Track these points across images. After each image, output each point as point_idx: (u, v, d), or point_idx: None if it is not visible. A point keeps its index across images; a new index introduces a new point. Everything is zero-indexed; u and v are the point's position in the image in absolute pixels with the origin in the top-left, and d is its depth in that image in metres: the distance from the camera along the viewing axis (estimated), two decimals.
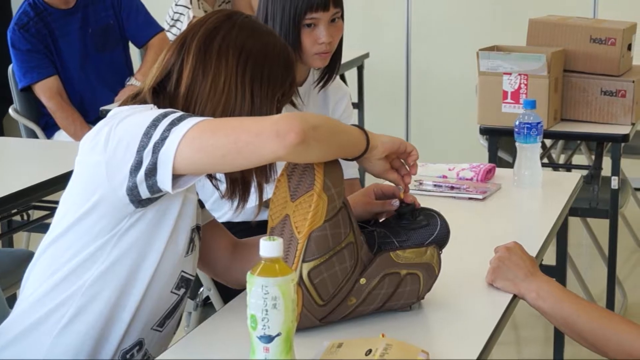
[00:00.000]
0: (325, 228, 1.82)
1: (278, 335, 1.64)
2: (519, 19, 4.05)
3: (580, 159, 4.98)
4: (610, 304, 3.86)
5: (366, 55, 5.57)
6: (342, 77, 5.56)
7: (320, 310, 1.86)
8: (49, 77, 4.43)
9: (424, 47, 6.40)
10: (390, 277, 1.90)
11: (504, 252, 2.02)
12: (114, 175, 1.82)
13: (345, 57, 5.28)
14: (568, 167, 4.51)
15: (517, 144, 2.90)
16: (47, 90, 4.42)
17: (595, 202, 3.74)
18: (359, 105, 5.63)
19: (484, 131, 3.77)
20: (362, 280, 1.88)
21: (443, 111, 6.32)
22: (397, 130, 6.57)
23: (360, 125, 2.00)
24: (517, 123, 2.89)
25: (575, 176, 3.04)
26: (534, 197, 2.88)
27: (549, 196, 2.88)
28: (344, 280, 1.85)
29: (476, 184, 2.90)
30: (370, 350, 1.71)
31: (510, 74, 3.65)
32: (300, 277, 1.82)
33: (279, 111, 2.01)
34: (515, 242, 2.05)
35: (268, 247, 1.63)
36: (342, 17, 2.79)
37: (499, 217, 2.71)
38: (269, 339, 1.64)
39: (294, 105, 2.82)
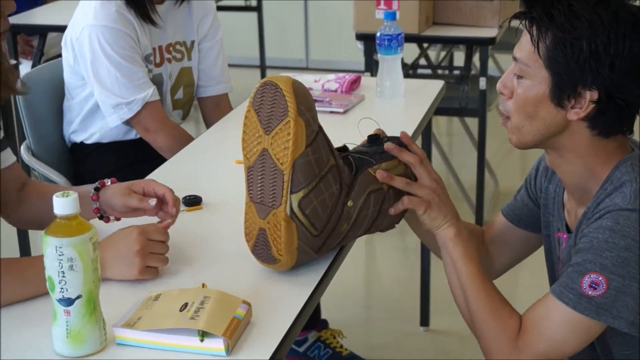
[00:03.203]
0: (308, 154, 1.50)
1: (78, 297, 1.31)
2: None
3: (460, 55, 4.66)
4: (480, 191, 3.58)
5: None
6: None
7: (315, 240, 1.53)
8: None
9: None
10: (375, 194, 1.57)
11: (437, 186, 1.59)
12: None
13: None
14: (443, 68, 4.18)
15: (378, 55, 2.56)
16: None
17: (465, 101, 3.43)
18: (258, 9, 5.22)
19: (359, 37, 3.41)
20: (350, 203, 1.55)
21: (339, 12, 5.90)
22: (296, 32, 6.17)
23: None
24: (378, 35, 2.53)
25: (438, 84, 2.70)
26: (395, 108, 2.55)
27: (410, 106, 2.55)
28: (333, 207, 1.52)
29: (340, 95, 2.55)
30: (186, 305, 1.38)
31: None
32: (292, 210, 1.50)
33: None
34: (438, 175, 1.63)
35: (61, 204, 1.28)
36: None
37: (360, 129, 2.36)
38: (68, 302, 1.31)
39: (154, 24, 2.42)
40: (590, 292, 1.41)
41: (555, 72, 1.44)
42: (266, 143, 1.52)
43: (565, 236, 1.60)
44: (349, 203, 1.55)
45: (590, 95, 1.43)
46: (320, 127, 1.55)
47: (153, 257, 1.53)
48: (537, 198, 1.72)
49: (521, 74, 1.48)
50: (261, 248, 1.55)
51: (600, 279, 1.40)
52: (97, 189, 1.71)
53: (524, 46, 1.47)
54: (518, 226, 1.77)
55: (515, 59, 1.49)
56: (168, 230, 1.60)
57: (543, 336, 1.46)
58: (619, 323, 1.41)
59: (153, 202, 1.64)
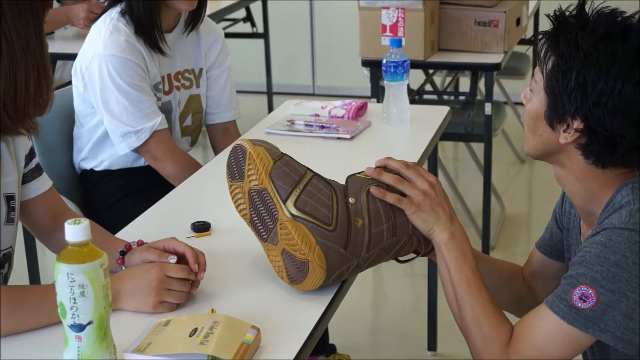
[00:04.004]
0: (279, 166, 1.60)
1: (89, 323, 1.32)
2: None
3: (465, 81, 4.69)
4: (486, 217, 3.60)
5: None
6: (248, 10, 5.17)
7: (334, 236, 1.55)
8: None
9: None
10: (374, 187, 1.60)
11: (429, 188, 1.62)
12: None
13: None
14: (448, 94, 4.21)
15: (384, 82, 2.58)
16: None
17: (470, 127, 3.45)
18: (264, 36, 5.26)
19: (365, 63, 3.44)
20: (351, 200, 1.59)
21: (345, 39, 5.94)
22: (302, 59, 6.21)
23: None
24: (384, 62, 2.56)
25: (444, 109, 2.72)
26: (402, 134, 2.57)
27: (416, 132, 2.56)
28: (332, 203, 1.57)
29: (346, 122, 2.58)
30: (195, 330, 1.40)
31: (388, 8, 3.31)
32: (292, 214, 1.56)
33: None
34: (437, 179, 1.66)
35: (72, 230, 1.30)
36: None
37: (367, 155, 2.36)
38: (80, 327, 1.32)
39: (163, 53, 2.45)
40: (580, 304, 1.43)
41: (550, 95, 1.51)
42: (246, 186, 1.62)
43: None
44: (350, 200, 1.59)
45: (576, 124, 1.47)
46: (286, 154, 1.65)
47: (169, 294, 1.54)
48: (562, 223, 1.74)
49: (532, 89, 1.56)
50: (292, 267, 1.57)
51: (590, 291, 1.42)
52: (122, 253, 1.69)
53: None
54: (551, 257, 1.79)
55: (533, 74, 1.58)
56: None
57: (533, 344, 1.47)
58: (605, 336, 1.43)
59: (173, 259, 1.61)
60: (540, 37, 1.54)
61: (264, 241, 1.62)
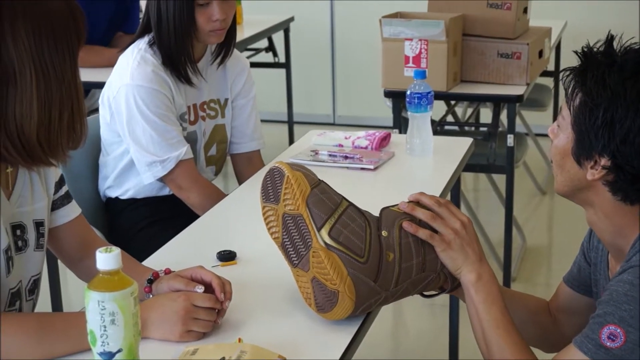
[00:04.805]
0: (316, 193, 1.61)
1: (119, 351, 1.33)
2: None
3: (486, 112, 4.70)
4: (508, 249, 3.59)
5: (291, 19, 5.20)
6: (270, 40, 5.21)
7: (365, 268, 1.56)
8: None
9: (346, 8, 6.05)
10: (407, 222, 1.62)
11: (460, 227, 1.63)
12: None
13: (272, 22, 5.00)
14: (470, 125, 4.22)
15: (408, 113, 2.59)
16: None
17: (492, 158, 3.45)
18: (286, 66, 5.29)
19: (388, 94, 3.45)
20: (384, 233, 1.60)
21: (367, 69, 5.98)
22: (323, 88, 6.25)
23: None
24: (408, 93, 2.57)
25: (467, 141, 2.73)
26: (425, 165, 2.58)
27: (439, 163, 2.57)
28: (365, 235, 1.58)
29: (370, 152, 2.59)
30: (223, 359, 1.41)
31: (411, 39, 3.33)
32: (325, 242, 1.57)
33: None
34: (469, 219, 1.67)
35: (104, 259, 1.32)
36: None
37: (390, 186, 2.40)
38: (109, 355, 1.33)
39: (190, 83, 2.48)
40: (608, 344, 1.42)
41: (577, 132, 1.51)
42: (280, 210, 1.62)
43: None
44: (384, 233, 1.60)
45: (603, 161, 1.48)
46: (323, 181, 1.65)
47: (196, 323, 1.55)
48: (590, 258, 1.74)
49: (559, 124, 1.57)
50: (321, 296, 1.57)
51: (618, 330, 1.42)
52: (150, 281, 1.71)
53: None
54: (579, 292, 1.79)
55: (560, 110, 1.58)
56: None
57: None
58: None
59: (200, 289, 1.62)
60: (567, 73, 1.54)
61: (294, 266, 1.62)
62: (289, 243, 1.62)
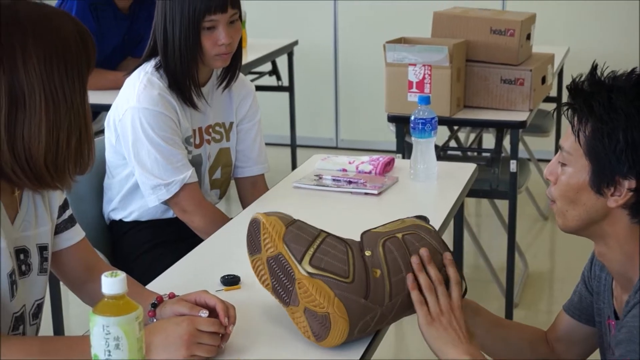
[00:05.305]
0: (292, 230, 1.65)
1: None
2: (441, 8, 3.74)
3: (488, 137, 4.71)
4: (510, 274, 3.58)
5: (295, 43, 5.22)
6: (274, 63, 5.23)
7: (353, 287, 1.57)
8: None
9: (350, 32, 6.07)
10: (391, 240, 1.64)
11: (448, 312, 1.60)
12: None
13: (276, 45, 5.02)
14: (473, 150, 4.22)
15: (412, 138, 2.60)
16: None
17: (495, 183, 3.45)
18: (289, 89, 5.30)
19: (392, 119, 3.46)
20: (367, 252, 1.62)
21: (370, 93, 6.00)
22: (326, 112, 6.26)
23: None
24: (412, 118, 2.58)
25: (471, 167, 2.73)
26: (429, 190, 2.58)
27: (443, 188, 2.57)
28: (348, 258, 1.60)
29: (373, 177, 2.59)
30: None
31: (415, 65, 3.34)
32: (308, 272, 1.59)
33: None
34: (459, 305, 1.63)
35: (109, 283, 1.32)
36: (240, 17, 2.46)
37: (394, 212, 2.38)
38: None
39: (195, 107, 2.48)
40: None
41: (594, 161, 1.49)
42: (264, 256, 1.66)
43: (614, 323, 1.61)
44: (367, 253, 1.62)
45: (628, 184, 1.46)
46: (299, 220, 1.69)
47: (200, 347, 1.55)
48: (592, 287, 1.73)
49: (564, 161, 1.55)
50: (315, 324, 1.58)
51: None
52: (154, 305, 1.71)
53: (568, 135, 1.54)
54: (580, 321, 1.78)
55: (560, 147, 1.56)
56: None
57: None
58: None
59: (205, 314, 1.62)
60: (565, 108, 1.54)
61: (286, 305, 1.64)
62: (277, 284, 1.64)
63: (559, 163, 1.56)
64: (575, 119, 1.52)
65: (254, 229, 1.70)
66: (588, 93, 1.50)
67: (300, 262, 1.60)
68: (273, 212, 1.71)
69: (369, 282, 1.58)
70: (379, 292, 1.59)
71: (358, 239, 1.67)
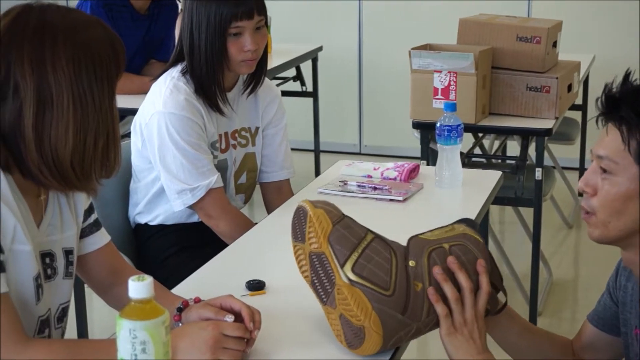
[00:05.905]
0: (338, 229, 1.60)
1: None
2: (466, 14, 3.73)
3: (513, 144, 4.68)
4: (534, 282, 3.56)
5: (320, 49, 5.22)
6: (298, 69, 5.23)
7: (393, 301, 1.54)
8: None
9: (374, 38, 6.07)
10: (436, 251, 1.59)
11: (472, 321, 1.58)
12: None
13: (301, 51, 5.02)
14: (497, 157, 4.20)
15: (438, 145, 2.59)
16: None
17: (520, 191, 3.43)
18: (313, 95, 5.30)
19: (416, 125, 3.45)
20: (412, 263, 1.58)
21: (393, 99, 5.99)
22: (350, 117, 6.26)
23: None
24: (438, 125, 2.57)
25: (496, 174, 2.72)
26: (454, 197, 2.57)
27: (468, 195, 2.56)
28: (391, 267, 1.56)
29: (399, 184, 2.58)
30: None
31: (440, 71, 3.33)
32: (349, 278, 1.56)
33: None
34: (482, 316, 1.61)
35: (136, 287, 1.31)
36: (265, 23, 2.46)
37: (419, 219, 2.39)
38: None
39: (221, 113, 2.49)
40: None
41: None
42: (307, 248, 1.62)
43: None
44: (411, 263, 1.58)
45: None
46: (347, 216, 1.64)
47: (225, 352, 1.55)
48: (617, 297, 1.71)
49: (609, 169, 1.50)
50: (349, 332, 1.57)
51: None
52: (179, 309, 1.71)
53: (611, 143, 1.50)
54: (604, 331, 1.76)
55: (599, 156, 1.52)
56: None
57: None
58: None
59: (230, 318, 1.61)
60: (608, 118, 1.51)
61: (323, 304, 1.62)
62: (317, 281, 1.62)
63: (601, 172, 1.52)
64: (624, 127, 1.48)
65: (301, 218, 1.66)
66: (633, 100, 1.48)
67: (342, 266, 1.57)
68: (321, 202, 1.66)
69: (409, 296, 1.55)
70: (418, 307, 1.56)
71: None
